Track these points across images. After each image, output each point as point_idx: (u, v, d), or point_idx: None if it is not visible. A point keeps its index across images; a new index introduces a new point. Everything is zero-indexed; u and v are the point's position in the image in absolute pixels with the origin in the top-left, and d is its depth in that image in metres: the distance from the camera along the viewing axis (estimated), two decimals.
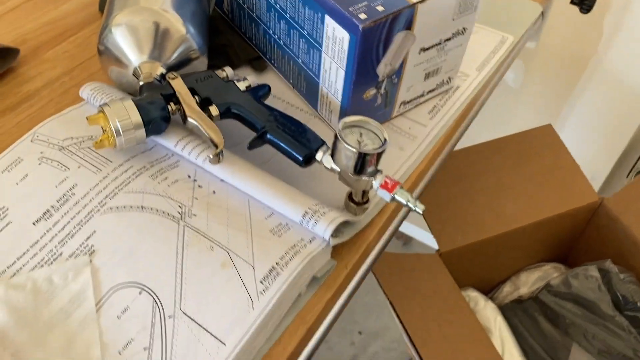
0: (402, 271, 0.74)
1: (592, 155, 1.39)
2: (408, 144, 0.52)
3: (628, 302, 0.83)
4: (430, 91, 0.55)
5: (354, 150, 0.41)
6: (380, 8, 0.43)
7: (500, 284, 0.97)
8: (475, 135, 1.39)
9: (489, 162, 0.90)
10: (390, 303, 0.68)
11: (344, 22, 0.43)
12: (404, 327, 0.67)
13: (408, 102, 0.54)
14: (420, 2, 0.44)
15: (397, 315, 0.68)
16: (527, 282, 0.94)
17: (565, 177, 0.90)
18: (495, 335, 0.84)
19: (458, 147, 0.92)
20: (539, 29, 0.89)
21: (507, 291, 0.95)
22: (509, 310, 0.89)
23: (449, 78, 0.55)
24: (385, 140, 0.42)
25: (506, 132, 1.36)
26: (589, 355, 0.84)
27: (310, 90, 0.53)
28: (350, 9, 0.43)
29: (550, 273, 0.94)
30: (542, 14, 0.85)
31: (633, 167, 1.31)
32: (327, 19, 0.45)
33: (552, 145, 0.94)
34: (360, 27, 0.42)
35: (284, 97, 0.56)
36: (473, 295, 0.87)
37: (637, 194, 0.87)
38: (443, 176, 0.88)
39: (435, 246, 0.81)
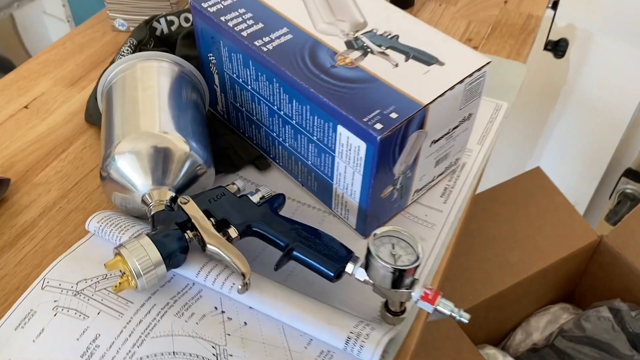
0: (423, 343, 0.72)
1: (574, 181, 1.42)
2: (428, 233, 0.51)
3: None
4: (440, 175, 0.55)
5: (390, 267, 0.40)
6: (394, 115, 0.43)
7: (511, 331, 0.97)
8: None
9: (488, 212, 0.90)
10: None
11: (360, 132, 0.43)
12: None
13: (420, 189, 0.53)
14: (430, 103, 0.44)
15: None
16: (538, 327, 0.94)
17: (562, 218, 0.91)
18: None
19: None
20: None
21: (520, 339, 0.94)
22: None
23: (456, 159, 0.55)
24: (419, 254, 0.41)
25: (490, 168, 1.37)
26: None
27: (322, 189, 0.52)
28: (364, 120, 0.42)
29: (559, 315, 0.94)
30: None
31: (614, 188, 1.34)
32: (340, 128, 0.44)
33: (544, 187, 0.95)
34: (378, 138, 0.41)
35: (293, 196, 0.55)
36: (491, 353, 0.86)
37: (633, 228, 0.88)
38: None
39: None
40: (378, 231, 0.41)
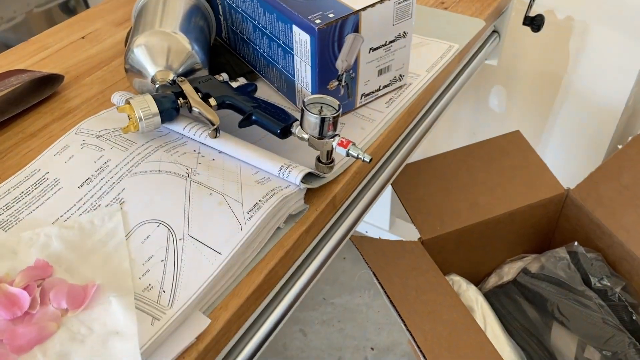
0: (386, 253, 0.85)
1: (577, 169, 1.50)
2: (368, 125, 0.66)
3: (595, 278, 0.92)
4: (385, 86, 0.69)
5: (316, 116, 0.54)
6: (331, 15, 0.58)
7: (486, 276, 1.07)
8: None
9: (463, 163, 1.02)
10: (374, 274, 0.80)
11: (305, 27, 0.58)
12: (386, 294, 0.77)
13: (368, 95, 0.68)
14: (362, 9, 0.59)
15: (380, 285, 0.78)
16: (510, 273, 1.04)
17: (533, 173, 1.02)
18: (477, 314, 0.93)
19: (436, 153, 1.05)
20: (497, 47, 1.04)
21: (493, 282, 1.05)
22: (492, 295, 0.99)
23: (400, 75, 0.69)
24: (339, 106, 0.55)
25: None
26: (570, 332, 0.92)
27: (289, 89, 0.68)
28: (309, 17, 0.58)
29: (530, 263, 1.04)
30: (498, 34, 1.00)
31: None
32: (294, 27, 0.60)
33: (520, 147, 1.06)
34: (316, 29, 0.57)
35: (271, 100, 0.71)
36: (456, 279, 0.97)
37: (596, 182, 0.98)
38: (423, 177, 1.00)
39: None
40: (309, 97, 0.56)
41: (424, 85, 0.72)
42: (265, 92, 0.72)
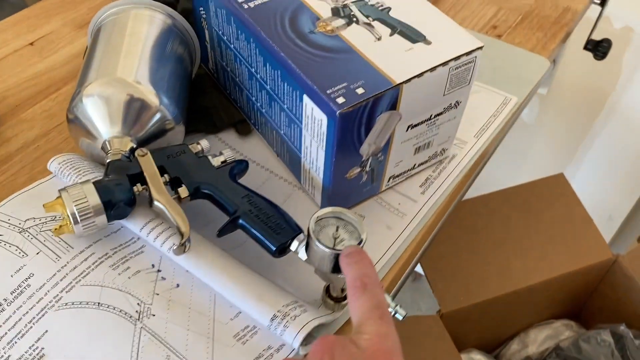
0: (400, 336, 0.70)
1: (610, 194, 1.33)
2: (397, 222, 0.49)
3: None
4: (422, 164, 0.51)
5: (329, 251, 0.37)
6: (360, 91, 0.40)
7: (508, 340, 0.92)
8: (489, 173, 1.34)
9: (497, 213, 0.85)
10: None
11: (322, 104, 0.40)
12: None
13: (397, 176, 0.50)
14: (404, 82, 0.41)
15: None
16: (536, 340, 0.89)
17: (577, 231, 0.85)
18: None
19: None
20: (550, 76, 0.85)
21: (515, 349, 0.90)
22: None
23: (443, 150, 0.52)
24: (363, 240, 0.38)
25: (521, 170, 1.31)
26: None
27: (293, 161, 0.50)
28: (328, 92, 0.40)
29: (561, 331, 0.89)
30: (554, 61, 0.81)
31: None
32: (306, 98, 0.42)
33: (564, 196, 0.89)
34: (338, 112, 0.39)
35: (267, 166, 0.53)
36: (477, 358, 0.82)
37: None
38: (447, 228, 0.84)
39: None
40: (320, 213, 0.39)
41: (471, 159, 0.54)
42: (261, 151, 0.54)
